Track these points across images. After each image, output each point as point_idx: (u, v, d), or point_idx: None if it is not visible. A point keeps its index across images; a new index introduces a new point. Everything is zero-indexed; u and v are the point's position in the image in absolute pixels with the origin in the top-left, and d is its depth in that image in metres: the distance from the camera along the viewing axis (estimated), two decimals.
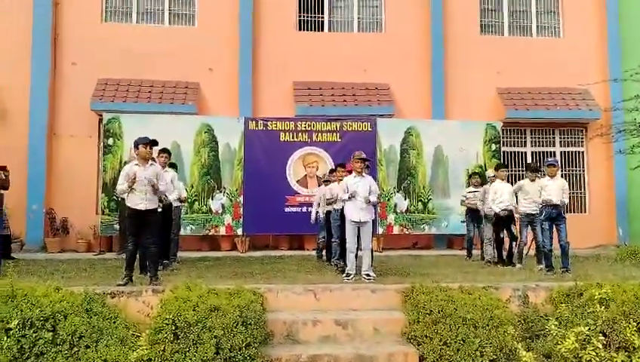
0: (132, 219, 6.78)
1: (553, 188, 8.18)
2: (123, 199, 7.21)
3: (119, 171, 9.85)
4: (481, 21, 14.20)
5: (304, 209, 11.79)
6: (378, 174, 12.08)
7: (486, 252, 9.59)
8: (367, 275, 7.25)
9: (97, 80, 12.55)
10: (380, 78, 13.40)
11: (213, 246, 12.34)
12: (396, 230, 12.39)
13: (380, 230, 12.10)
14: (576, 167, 14.07)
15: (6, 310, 5.09)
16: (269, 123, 12.22)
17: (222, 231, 12.02)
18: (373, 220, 7.78)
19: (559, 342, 5.38)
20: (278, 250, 12.08)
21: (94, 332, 5.20)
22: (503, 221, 9.12)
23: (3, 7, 12.76)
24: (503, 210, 8.96)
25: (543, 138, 14.08)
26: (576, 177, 13.98)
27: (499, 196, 9.04)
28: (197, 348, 5.00)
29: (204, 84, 13.09)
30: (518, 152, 13.94)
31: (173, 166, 9.20)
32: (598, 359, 5.22)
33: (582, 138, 14.13)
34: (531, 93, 13.64)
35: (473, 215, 10.13)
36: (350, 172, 7.95)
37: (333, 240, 8.79)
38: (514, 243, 9.17)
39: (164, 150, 8.67)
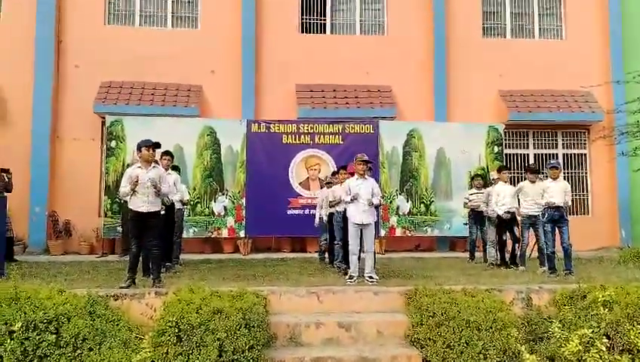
0: (135, 222, 6.79)
1: (556, 191, 8.17)
2: (126, 202, 7.22)
3: (122, 174, 9.87)
4: (483, 23, 14.20)
5: (306, 211, 11.80)
6: (380, 176, 12.07)
7: (489, 254, 9.58)
8: (370, 277, 7.24)
9: (100, 82, 12.58)
10: (382, 81, 13.41)
11: (215, 249, 12.33)
12: (399, 232, 12.39)
13: (383, 232, 12.09)
14: (578, 169, 14.05)
15: (10, 312, 5.09)
16: (271, 125, 12.23)
17: (224, 233, 12.02)
18: (375, 222, 7.79)
19: (563, 345, 5.37)
20: (280, 253, 12.07)
21: (97, 335, 5.20)
22: (506, 223, 9.11)
23: (6, 9, 12.80)
24: (505, 213, 8.96)
25: (545, 140, 14.07)
26: (578, 179, 13.96)
27: (501, 198, 9.04)
28: (200, 350, 5.00)
29: (206, 86, 13.12)
30: (521, 154, 13.92)
31: (175, 168, 9.21)
32: None
33: (584, 140, 14.11)
34: (534, 95, 13.63)
35: (476, 217, 10.11)
36: (352, 174, 7.96)
37: (335, 242, 8.79)
38: (516, 245, 9.17)
39: (167, 152, 8.69)
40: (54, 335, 5.05)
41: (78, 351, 5.09)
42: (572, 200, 8.90)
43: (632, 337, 5.37)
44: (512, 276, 7.79)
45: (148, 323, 5.65)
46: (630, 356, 5.37)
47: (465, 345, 5.35)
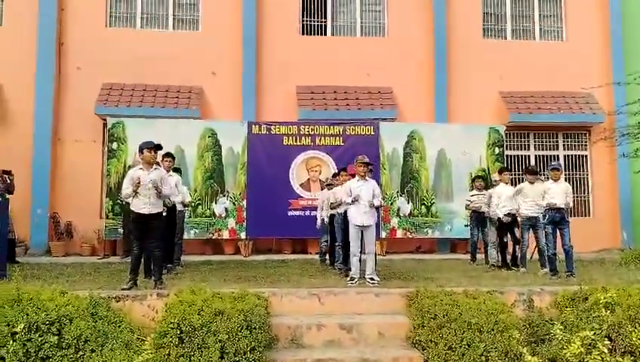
0: (136, 223, 6.80)
1: (557, 192, 8.17)
2: (127, 203, 7.23)
3: (123, 175, 9.95)
4: (483, 25, 14.22)
5: (307, 213, 11.81)
6: (381, 178, 12.07)
7: (490, 256, 9.58)
8: (371, 279, 7.24)
9: (102, 84, 12.61)
10: (382, 82, 13.42)
11: (216, 250, 12.34)
12: (399, 234, 12.39)
13: (384, 234, 12.10)
14: (579, 170, 14.06)
15: (12, 314, 5.10)
16: (272, 127, 12.24)
17: (225, 234, 12.03)
18: (376, 224, 7.79)
19: (565, 347, 5.37)
20: (281, 254, 12.08)
21: (99, 336, 5.21)
22: (507, 225, 9.11)
23: (9, 12, 12.83)
24: (505, 216, 8.96)
25: (546, 142, 14.07)
26: (579, 181, 13.96)
27: (502, 200, 9.05)
28: (202, 352, 5.01)
29: (207, 88, 13.13)
30: (522, 156, 13.93)
31: (177, 170, 9.22)
32: None
33: (585, 142, 14.12)
34: (534, 96, 13.64)
35: (477, 218, 10.11)
36: (353, 175, 7.97)
37: (336, 244, 8.79)
38: (517, 246, 9.17)
39: (168, 154, 8.71)
40: (56, 337, 5.05)
41: (80, 353, 5.09)
42: (573, 202, 8.89)
43: (633, 339, 5.37)
44: (513, 278, 7.79)
45: (150, 325, 5.65)
46: (632, 358, 5.36)
47: (466, 347, 5.34)
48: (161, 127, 11.62)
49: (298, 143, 12.26)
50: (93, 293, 5.86)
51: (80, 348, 5.10)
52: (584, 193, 14.00)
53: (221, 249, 12.36)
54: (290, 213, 12.05)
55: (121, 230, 11.28)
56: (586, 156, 14.11)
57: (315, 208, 10.55)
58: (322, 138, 12.30)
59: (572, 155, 14.09)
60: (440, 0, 13.74)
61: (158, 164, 7.29)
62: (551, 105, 13.51)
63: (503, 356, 5.29)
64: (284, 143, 12.20)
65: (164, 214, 7.19)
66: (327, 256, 9.63)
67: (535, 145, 14.04)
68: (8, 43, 12.57)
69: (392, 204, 12.35)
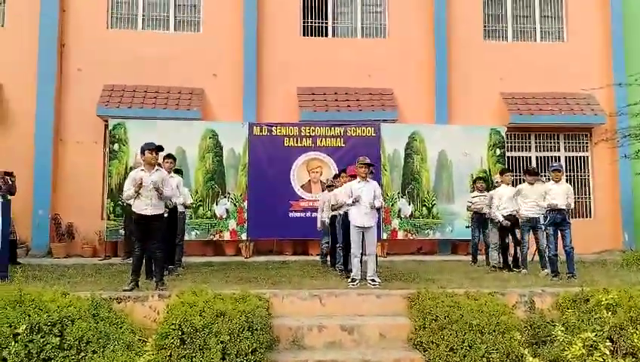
0: (138, 225, 6.81)
1: (558, 193, 8.16)
2: (129, 205, 7.25)
3: (125, 177, 9.93)
4: (484, 26, 14.21)
5: (308, 214, 11.81)
6: (382, 179, 12.06)
7: (491, 257, 9.57)
8: (373, 280, 7.25)
9: (103, 86, 12.62)
10: (383, 83, 13.42)
11: (217, 252, 12.36)
12: (400, 235, 12.39)
13: (384, 235, 12.09)
14: (581, 171, 14.05)
15: (14, 315, 5.11)
16: (273, 128, 12.25)
17: (226, 236, 12.04)
18: (377, 225, 7.79)
19: (566, 348, 5.37)
20: (282, 255, 12.07)
21: (101, 338, 5.22)
22: (508, 226, 9.10)
23: (10, 13, 12.85)
24: (505, 218, 8.95)
25: (547, 143, 14.07)
26: (581, 182, 13.95)
27: (503, 202, 9.05)
28: (203, 353, 5.02)
29: (208, 89, 13.14)
30: (523, 157, 13.93)
31: (178, 171, 9.23)
32: None
33: (586, 143, 14.11)
34: (535, 98, 13.64)
35: (478, 220, 10.10)
36: (353, 176, 7.97)
37: (337, 245, 8.80)
38: (518, 248, 9.17)
39: (169, 155, 8.72)
40: (58, 338, 5.07)
41: (82, 354, 5.10)
42: (574, 203, 8.89)
43: (635, 340, 5.37)
44: (514, 279, 7.78)
45: (151, 326, 5.67)
46: (633, 359, 5.36)
47: (468, 348, 5.34)
48: (162, 128, 11.63)
49: (299, 144, 12.26)
50: (94, 294, 5.87)
51: (82, 349, 5.12)
52: (585, 194, 13.99)
53: (222, 250, 12.37)
54: (291, 215, 12.05)
55: (122, 231, 11.29)
56: (587, 157, 14.10)
57: (315, 209, 10.56)
58: (323, 139, 12.30)
59: (573, 157, 14.08)
60: (440, 1, 13.74)
61: (159, 165, 7.31)
62: (552, 107, 13.51)
63: (504, 357, 5.29)
64: (285, 144, 12.20)
65: (165, 215, 7.20)
66: (328, 258, 9.63)
67: (536, 146, 14.04)
68: (10, 44, 12.59)
69: (392, 205, 12.35)
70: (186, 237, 10.44)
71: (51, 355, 5.00)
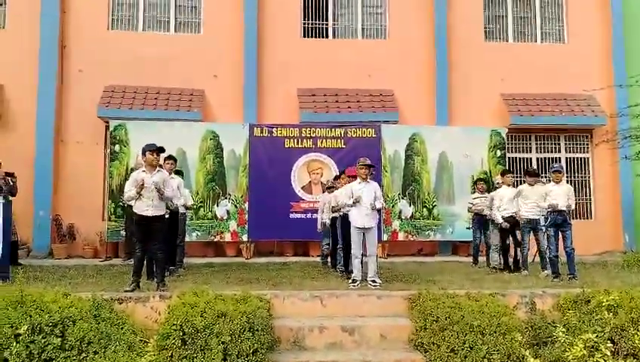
0: (139, 226, 6.82)
1: (559, 194, 8.16)
2: (130, 206, 7.26)
3: (125, 178, 9.96)
4: (485, 27, 14.22)
5: (309, 215, 11.81)
6: (383, 180, 12.06)
7: (492, 258, 9.57)
8: (373, 281, 7.25)
9: (104, 87, 12.63)
10: (384, 85, 13.42)
11: (218, 253, 12.37)
12: (401, 236, 12.38)
13: (385, 236, 12.09)
14: (581, 173, 14.05)
15: (15, 315, 5.12)
16: (273, 129, 12.26)
17: (227, 237, 12.04)
18: (378, 226, 7.79)
19: (567, 349, 5.36)
20: (282, 256, 12.08)
21: (102, 338, 5.22)
22: (509, 227, 9.10)
23: (11, 14, 12.87)
24: (505, 222, 8.95)
25: (548, 144, 14.07)
26: (581, 183, 13.95)
27: (504, 203, 9.05)
28: (204, 354, 5.02)
29: (209, 90, 13.15)
30: (523, 158, 13.93)
31: (179, 173, 9.24)
32: None
33: (587, 144, 14.11)
34: (536, 99, 13.64)
35: (479, 221, 10.09)
36: (353, 177, 7.98)
37: (338, 246, 8.80)
38: (518, 249, 9.17)
39: (170, 157, 8.74)
40: (60, 339, 5.07)
41: (83, 355, 5.11)
42: (575, 205, 8.89)
43: (636, 341, 5.37)
44: (515, 280, 7.78)
45: (152, 327, 5.67)
46: (635, 360, 5.36)
47: (469, 349, 5.35)
48: (162, 129, 11.64)
49: (299, 146, 12.27)
50: (96, 295, 5.87)
51: (83, 349, 5.13)
52: (586, 195, 13.99)
53: (223, 251, 12.38)
54: (291, 216, 12.05)
55: (123, 232, 11.30)
56: (588, 158, 14.10)
57: (316, 210, 10.56)
58: (324, 140, 12.31)
59: (574, 158, 14.08)
60: (441, 2, 13.74)
61: (160, 166, 7.33)
62: (552, 108, 13.50)
63: (505, 358, 5.30)
64: (286, 146, 12.21)
65: (166, 216, 7.20)
66: (329, 259, 9.63)
67: (537, 147, 14.04)
68: (11, 45, 12.60)
69: (393, 206, 12.35)
70: (187, 238, 10.45)
71: (52, 356, 5.00)
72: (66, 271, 9.00)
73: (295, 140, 12.25)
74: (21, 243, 11.23)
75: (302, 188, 12.20)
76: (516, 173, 12.60)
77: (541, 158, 13.95)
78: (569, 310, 6.10)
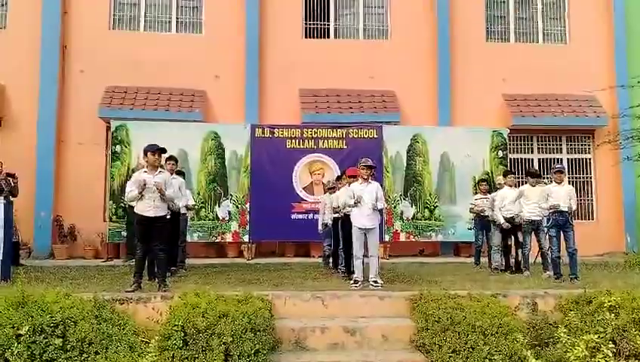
0: (141, 226, 6.82)
1: (560, 195, 8.14)
2: (131, 206, 7.25)
3: (127, 178, 9.95)
4: (487, 28, 14.21)
5: (310, 216, 11.80)
6: (384, 181, 12.06)
7: (494, 259, 9.54)
8: (375, 282, 7.24)
9: (105, 87, 12.63)
10: (385, 85, 13.42)
11: (219, 253, 12.37)
12: (403, 237, 12.37)
13: (387, 237, 12.08)
14: (583, 174, 14.03)
15: (17, 316, 5.12)
16: (275, 130, 12.25)
17: (228, 238, 12.03)
18: (379, 226, 7.79)
19: (569, 350, 5.34)
20: (284, 257, 12.08)
21: (104, 339, 5.23)
22: (510, 228, 9.08)
23: (12, 15, 12.88)
24: (505, 222, 8.93)
25: (549, 145, 14.06)
26: (583, 184, 13.93)
27: (506, 204, 9.03)
28: (206, 354, 5.02)
29: (210, 91, 13.15)
30: (525, 159, 13.91)
31: (180, 173, 9.23)
32: None
33: (589, 145, 14.09)
34: (538, 99, 13.63)
35: (481, 222, 10.09)
36: (353, 177, 7.99)
37: (340, 247, 8.79)
38: (520, 250, 9.15)
39: (171, 157, 8.73)
40: (61, 339, 5.08)
41: (85, 355, 5.11)
42: (576, 206, 8.87)
43: (638, 342, 5.35)
44: (516, 281, 7.77)
45: (154, 327, 5.65)
46: (636, 361, 5.35)
47: (470, 350, 5.34)
48: (164, 129, 11.62)
49: (301, 146, 12.26)
50: (97, 296, 5.87)
51: (84, 350, 5.13)
52: (588, 196, 13.97)
53: (224, 252, 12.38)
54: (293, 217, 12.05)
55: (124, 233, 11.30)
56: (590, 159, 14.09)
57: (318, 211, 10.54)
58: (325, 141, 12.30)
59: (575, 159, 14.07)
60: (443, 2, 13.74)
61: (162, 167, 7.33)
62: (554, 108, 13.50)
63: (506, 359, 5.28)
64: (288, 146, 12.20)
65: (167, 217, 7.20)
66: (330, 259, 9.62)
67: (538, 148, 14.03)
68: (12, 46, 12.61)
69: (395, 207, 12.33)
70: (189, 239, 10.47)
71: (54, 356, 5.01)
72: (67, 271, 9.01)
73: (297, 141, 12.25)
74: (22, 244, 11.22)
75: (303, 188, 12.19)
76: (518, 174, 12.57)
77: (543, 159, 13.94)
78: (571, 311, 6.09)
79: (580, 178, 13.93)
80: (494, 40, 14.29)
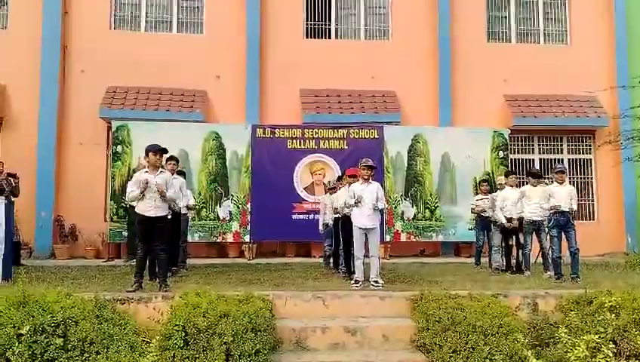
0: (142, 226, 6.82)
1: (562, 195, 8.14)
2: (132, 206, 7.26)
3: (128, 178, 9.96)
4: (488, 28, 14.22)
5: (311, 216, 11.80)
6: (385, 181, 12.06)
7: (494, 259, 9.55)
8: (376, 282, 7.24)
9: (106, 87, 12.64)
10: (386, 85, 13.43)
11: (220, 253, 12.38)
12: (403, 237, 12.37)
13: (387, 237, 12.08)
14: (584, 174, 14.03)
15: (18, 316, 5.13)
16: (276, 130, 12.26)
17: (229, 238, 12.04)
18: (380, 227, 7.79)
19: (569, 350, 5.34)
20: (285, 257, 12.09)
21: (105, 338, 5.23)
22: (511, 228, 9.08)
23: (13, 15, 12.89)
24: (508, 221, 8.92)
25: (550, 145, 14.06)
26: (584, 185, 13.93)
27: (507, 205, 9.03)
28: (207, 354, 5.02)
29: (211, 91, 13.16)
30: (526, 160, 13.91)
31: (181, 173, 9.24)
32: None
33: (590, 145, 14.09)
34: (539, 100, 13.63)
35: (482, 223, 10.08)
36: (353, 176, 8.00)
37: (340, 247, 8.79)
38: (521, 251, 9.15)
39: (172, 157, 8.71)
40: (62, 339, 5.08)
41: (86, 355, 5.11)
42: (577, 206, 8.87)
43: (638, 342, 5.35)
44: (517, 281, 7.76)
45: (155, 327, 5.66)
46: (637, 361, 5.35)
47: (471, 350, 5.33)
48: (165, 130, 11.62)
49: (302, 147, 12.27)
50: (98, 296, 5.88)
51: (85, 350, 5.13)
52: (588, 197, 13.97)
53: (225, 252, 12.39)
54: (294, 217, 12.05)
55: (125, 233, 11.31)
56: (591, 160, 14.09)
57: (319, 211, 10.54)
58: (326, 141, 12.31)
59: (576, 159, 14.07)
60: (444, 3, 13.75)
61: (163, 167, 7.33)
62: (555, 109, 13.50)
63: (507, 359, 5.28)
64: (288, 146, 12.21)
65: (169, 217, 7.20)
66: (331, 260, 9.63)
67: (539, 148, 14.03)
68: (12, 46, 12.62)
69: (396, 207, 12.33)
70: (190, 239, 10.48)
71: (55, 356, 5.01)
72: (68, 271, 9.02)
73: (297, 141, 12.26)
74: (23, 244, 11.24)
75: (304, 189, 12.20)
76: (519, 174, 12.57)
77: (543, 159, 13.94)
78: (571, 311, 6.09)
79: (580, 178, 13.93)
80: (495, 40, 14.30)
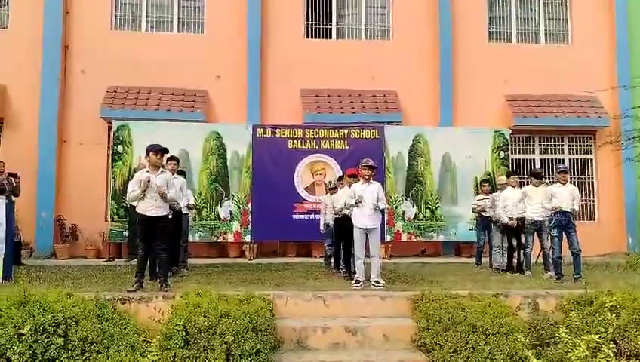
0: (143, 226, 6.83)
1: (564, 195, 8.13)
2: (133, 206, 7.26)
3: (128, 178, 9.97)
4: (489, 28, 14.21)
5: (312, 216, 11.79)
6: (386, 181, 12.05)
7: (494, 259, 9.55)
8: (376, 282, 7.24)
9: (107, 87, 12.65)
10: (387, 86, 13.42)
11: (221, 253, 12.38)
12: (404, 237, 12.37)
13: (388, 237, 12.08)
14: (584, 174, 14.02)
15: (18, 315, 5.13)
16: (277, 130, 12.26)
17: (230, 238, 12.04)
18: (381, 226, 7.79)
19: (570, 350, 5.35)
20: (285, 257, 12.08)
21: (105, 338, 5.24)
22: (513, 228, 9.07)
23: (14, 15, 12.90)
24: (510, 220, 8.91)
25: (551, 145, 14.05)
26: (584, 185, 13.91)
27: (509, 205, 9.02)
28: (207, 354, 5.02)
29: (212, 91, 13.16)
30: (527, 160, 13.91)
31: (182, 173, 9.24)
32: None
33: (591, 145, 14.08)
34: (540, 100, 13.62)
35: (483, 223, 10.08)
36: (353, 176, 8.00)
37: (341, 247, 8.79)
38: (522, 251, 9.14)
39: (173, 157, 8.71)
40: (62, 338, 5.09)
41: (86, 354, 5.12)
42: (578, 206, 8.86)
43: (639, 342, 5.35)
44: (518, 281, 7.77)
45: (155, 327, 5.66)
46: (637, 361, 5.34)
47: (472, 349, 5.34)
48: (166, 129, 11.63)
49: (303, 147, 12.26)
50: (99, 295, 5.89)
51: (86, 349, 5.14)
52: (589, 197, 13.96)
53: (226, 252, 12.39)
54: (294, 217, 12.05)
55: (126, 233, 11.32)
56: (592, 160, 14.08)
57: (319, 211, 10.54)
58: (327, 141, 12.30)
59: (577, 159, 14.06)
60: (445, 3, 13.74)
61: (163, 167, 7.34)
62: (556, 109, 13.49)
63: (508, 359, 5.29)
64: (289, 147, 12.21)
65: (169, 217, 7.21)
66: (332, 259, 9.63)
67: (540, 148, 14.02)
68: (13, 46, 12.63)
69: (396, 207, 12.33)
70: (190, 239, 10.47)
71: (55, 355, 5.02)
72: (69, 271, 9.02)
73: (298, 141, 12.26)
74: (24, 244, 11.23)
75: (305, 189, 12.20)
76: (519, 175, 12.55)
77: (544, 160, 13.93)
78: (572, 311, 6.10)
79: (581, 178, 13.91)
80: (496, 40, 14.29)
